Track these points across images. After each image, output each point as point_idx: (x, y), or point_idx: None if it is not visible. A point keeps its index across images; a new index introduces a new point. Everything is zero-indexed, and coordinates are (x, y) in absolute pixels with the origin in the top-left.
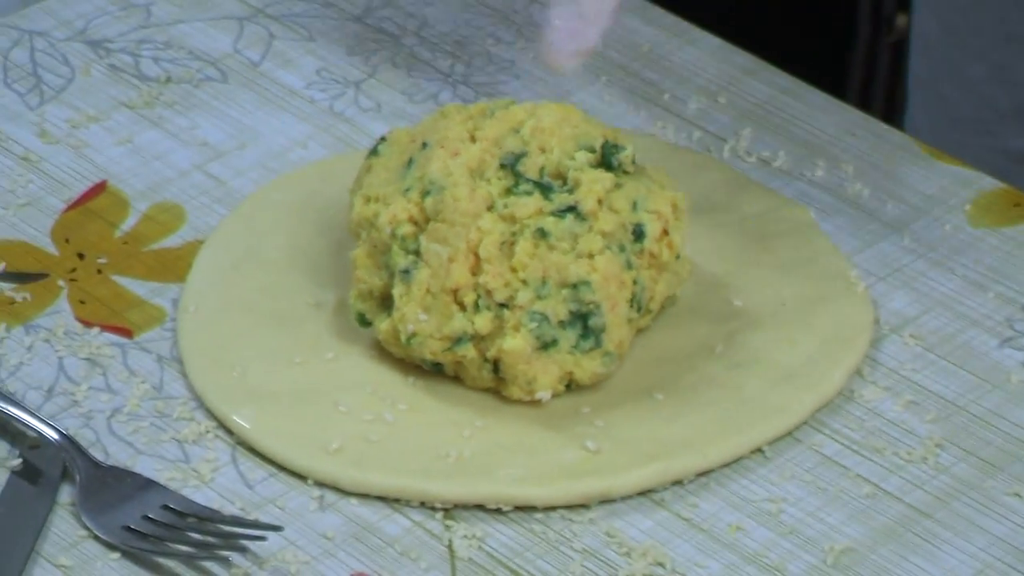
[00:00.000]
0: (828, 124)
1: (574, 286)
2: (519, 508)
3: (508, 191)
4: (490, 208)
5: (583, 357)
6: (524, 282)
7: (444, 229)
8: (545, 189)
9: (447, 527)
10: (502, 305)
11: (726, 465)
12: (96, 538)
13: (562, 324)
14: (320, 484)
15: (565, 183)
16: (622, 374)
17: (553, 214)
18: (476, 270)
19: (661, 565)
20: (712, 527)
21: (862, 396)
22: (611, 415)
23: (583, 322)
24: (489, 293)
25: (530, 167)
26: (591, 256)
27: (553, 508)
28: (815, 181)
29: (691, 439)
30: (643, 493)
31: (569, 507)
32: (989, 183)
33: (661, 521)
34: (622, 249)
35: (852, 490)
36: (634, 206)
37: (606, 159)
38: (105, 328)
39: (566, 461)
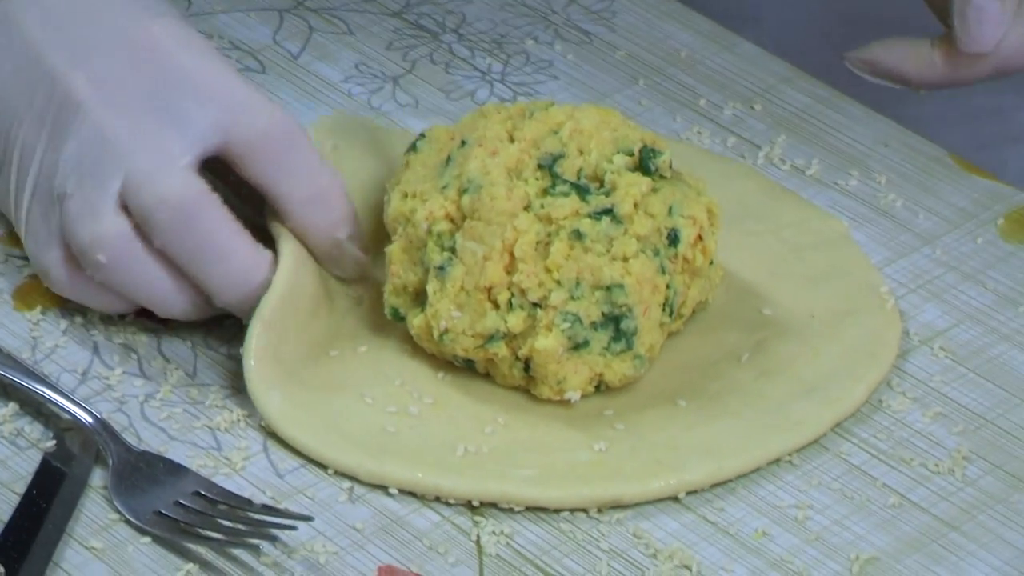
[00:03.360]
0: (862, 134)
1: (608, 288)
2: (547, 507)
3: (545, 192)
4: (527, 208)
5: (614, 359)
6: (558, 282)
7: (480, 227)
8: (582, 191)
9: (475, 523)
10: (535, 305)
11: (743, 475)
12: (127, 522)
13: (594, 326)
14: (340, 474)
15: (602, 186)
16: (649, 378)
17: (589, 216)
18: (511, 269)
19: (687, 568)
20: (738, 532)
21: (890, 407)
22: (633, 419)
23: (615, 324)
24: (523, 292)
25: (568, 169)
26: (626, 259)
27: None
28: (848, 191)
29: (708, 449)
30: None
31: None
32: (1022, 199)
33: (688, 524)
34: (656, 253)
35: (878, 500)
36: (670, 211)
37: (643, 163)
38: (140, 314)
39: (580, 464)
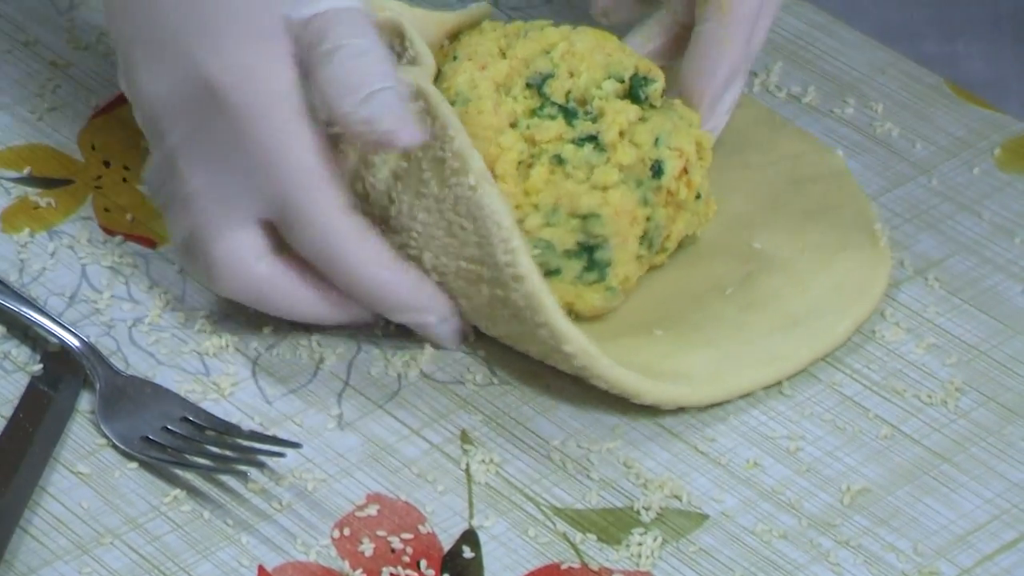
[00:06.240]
0: (859, 62)
1: (584, 217)
2: (537, 436)
3: (532, 112)
4: (513, 126)
5: (585, 289)
6: (535, 207)
7: None
8: (569, 114)
9: (465, 451)
10: None
11: (716, 405)
12: (114, 447)
13: (568, 254)
14: (340, 398)
15: (590, 112)
16: (627, 308)
17: (573, 141)
18: None
19: (677, 498)
20: (729, 462)
21: (883, 337)
22: (605, 347)
23: (589, 254)
24: None
25: (556, 89)
26: (605, 189)
27: (569, 436)
28: (844, 119)
29: (679, 376)
30: (660, 425)
31: (587, 437)
32: (1020, 128)
33: (678, 454)
34: (639, 184)
35: (870, 431)
36: (656, 142)
37: (634, 91)
38: (129, 237)
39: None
